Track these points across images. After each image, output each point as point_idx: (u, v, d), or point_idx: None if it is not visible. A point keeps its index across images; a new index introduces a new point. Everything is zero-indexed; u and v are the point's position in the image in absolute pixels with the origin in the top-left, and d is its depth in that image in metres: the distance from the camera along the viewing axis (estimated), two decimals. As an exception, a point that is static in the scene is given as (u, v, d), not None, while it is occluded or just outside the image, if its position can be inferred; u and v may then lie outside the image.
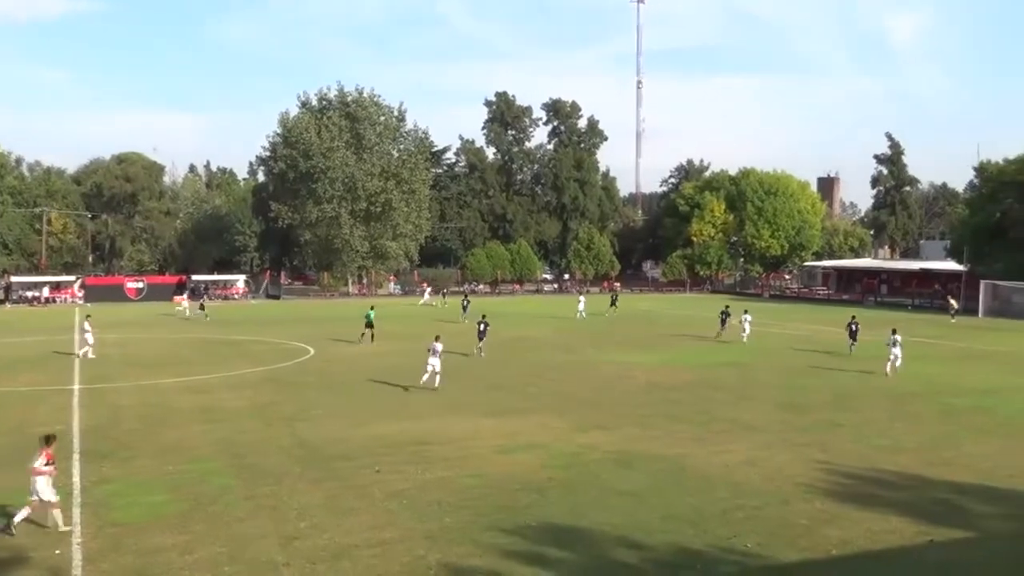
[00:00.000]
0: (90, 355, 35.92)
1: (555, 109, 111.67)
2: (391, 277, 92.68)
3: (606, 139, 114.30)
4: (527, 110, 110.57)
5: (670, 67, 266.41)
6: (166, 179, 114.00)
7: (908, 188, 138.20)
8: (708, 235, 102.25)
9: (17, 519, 14.20)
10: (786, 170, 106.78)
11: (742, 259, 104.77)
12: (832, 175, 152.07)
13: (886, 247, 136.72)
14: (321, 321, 55.32)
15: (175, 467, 18.59)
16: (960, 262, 77.50)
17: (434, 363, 28.56)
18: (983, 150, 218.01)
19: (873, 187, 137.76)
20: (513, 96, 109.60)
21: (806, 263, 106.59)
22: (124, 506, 15.90)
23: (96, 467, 18.46)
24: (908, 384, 31.31)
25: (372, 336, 42.04)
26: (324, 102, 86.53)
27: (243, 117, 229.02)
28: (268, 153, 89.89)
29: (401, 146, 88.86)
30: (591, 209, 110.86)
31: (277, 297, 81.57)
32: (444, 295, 74.70)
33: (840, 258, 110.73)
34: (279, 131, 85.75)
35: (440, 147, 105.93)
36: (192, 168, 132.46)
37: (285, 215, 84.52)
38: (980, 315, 64.48)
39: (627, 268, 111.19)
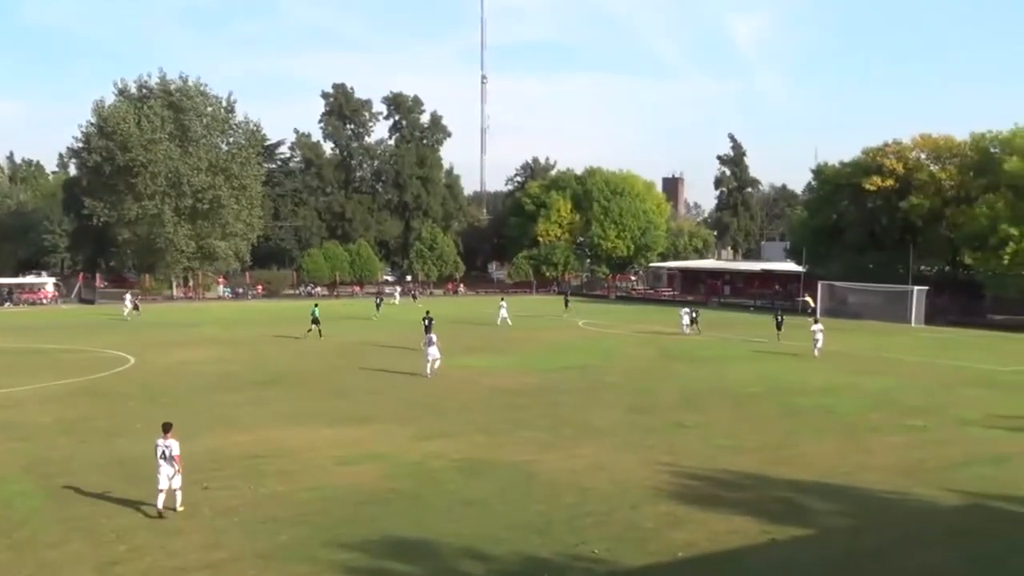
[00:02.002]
0: None
1: (396, 103, 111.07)
2: (220, 279, 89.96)
3: (450, 135, 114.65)
4: (367, 104, 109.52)
5: (516, 63, 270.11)
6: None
7: (750, 189, 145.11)
8: (554, 235, 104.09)
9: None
10: (632, 170, 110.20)
11: (589, 260, 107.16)
12: (677, 176, 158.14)
13: (729, 248, 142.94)
14: (141, 327, 53.11)
15: (-26, 490, 17.47)
16: (799, 263, 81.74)
17: (432, 352, 33.04)
18: (820, 153, 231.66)
19: (716, 188, 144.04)
20: (352, 89, 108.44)
21: (651, 264, 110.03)
22: (-86, 536, 14.82)
23: None
24: (751, 384, 32.81)
25: (320, 332, 46.32)
26: (144, 90, 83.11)
27: (52, 105, 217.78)
28: (81, 144, 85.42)
29: (231, 139, 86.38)
30: (434, 208, 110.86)
31: (92, 302, 77.66)
32: (415, 296, 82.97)
33: (685, 259, 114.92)
34: (94, 121, 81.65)
35: (273, 141, 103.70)
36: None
37: (101, 212, 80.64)
38: (818, 315, 68.12)
39: (472, 269, 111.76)
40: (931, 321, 64.96)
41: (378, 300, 67.43)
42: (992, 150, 68.81)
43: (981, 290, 68.94)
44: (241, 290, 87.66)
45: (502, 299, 62.51)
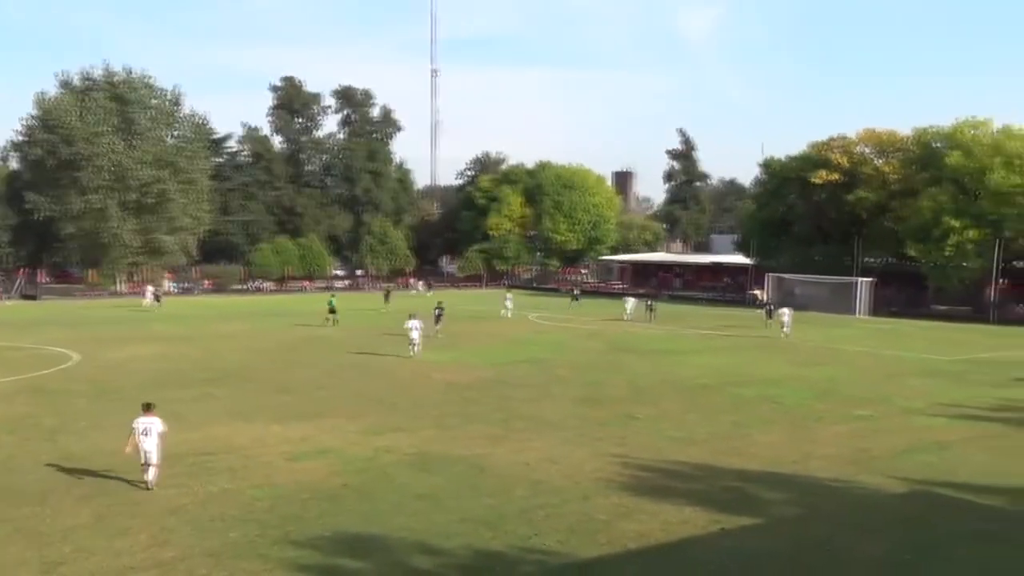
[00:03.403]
0: None
1: (346, 97, 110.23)
2: (168, 274, 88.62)
3: (401, 129, 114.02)
4: (316, 97, 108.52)
5: (467, 57, 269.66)
6: None
7: (699, 183, 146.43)
8: (506, 229, 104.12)
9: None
10: (583, 164, 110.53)
11: (540, 253, 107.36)
12: (628, 170, 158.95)
13: (679, 241, 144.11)
14: (88, 323, 52.17)
15: (-88, 492, 17.05)
16: (748, 256, 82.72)
17: (415, 337, 36.88)
18: (768, 147, 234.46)
19: (666, 182, 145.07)
20: (301, 82, 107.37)
21: (602, 257, 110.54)
22: None
23: None
24: (700, 376, 33.14)
25: (335, 321, 50.29)
26: (88, 82, 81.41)
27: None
28: (23, 138, 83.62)
29: (177, 132, 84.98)
30: (385, 202, 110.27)
31: (34, 297, 76.16)
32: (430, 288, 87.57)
33: (635, 252, 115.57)
34: (36, 114, 79.92)
35: (221, 134, 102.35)
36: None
37: (43, 207, 78.98)
38: (772, 307, 68.86)
39: (424, 263, 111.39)
40: (876, 312, 66.14)
41: (386, 292, 71.96)
42: (935, 144, 70.14)
43: (924, 281, 70.29)
44: (187, 285, 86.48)
45: (508, 292, 65.54)
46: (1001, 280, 66.46)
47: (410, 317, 38.23)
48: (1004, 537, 15.16)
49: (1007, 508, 16.93)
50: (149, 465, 17.13)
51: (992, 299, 64.79)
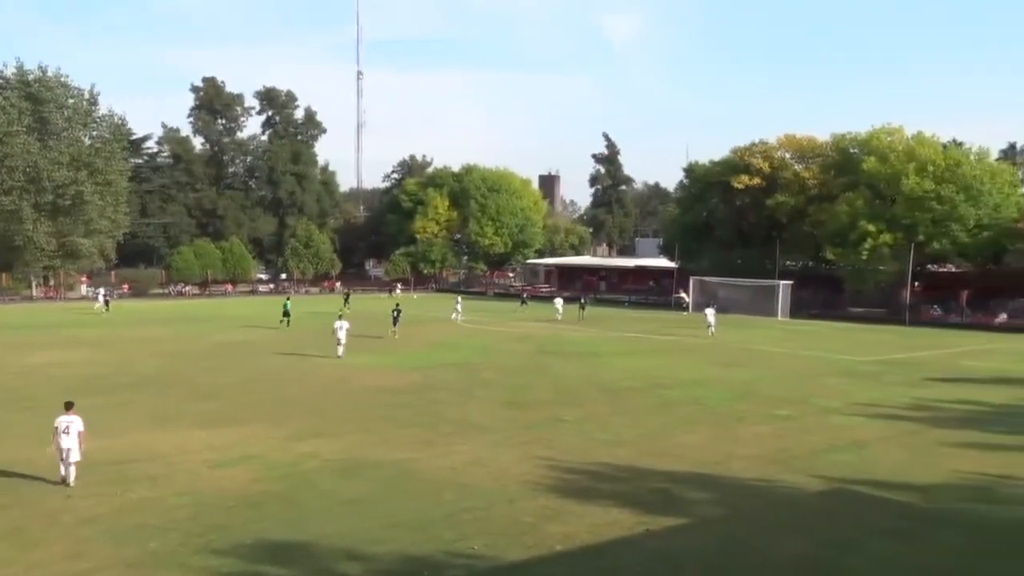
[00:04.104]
0: None
1: (269, 98, 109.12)
2: (83, 278, 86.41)
3: (325, 131, 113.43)
4: (239, 98, 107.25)
5: (393, 59, 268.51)
6: None
7: (624, 187, 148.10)
8: (432, 232, 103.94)
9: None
10: (509, 167, 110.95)
11: (466, 257, 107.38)
12: (553, 173, 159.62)
13: (604, 244, 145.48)
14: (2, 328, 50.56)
15: None
16: (672, 259, 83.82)
17: (341, 337, 37.97)
18: (692, 152, 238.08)
19: (592, 185, 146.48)
20: (223, 82, 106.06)
21: (529, 261, 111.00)
22: None
23: None
24: (626, 378, 33.46)
25: (288, 323, 51.63)
26: (0, 81, 79.12)
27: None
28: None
29: (94, 132, 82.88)
30: (310, 205, 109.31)
31: (-59, 302, 73.65)
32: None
33: (561, 255, 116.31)
34: (-56, 112, 77.31)
35: (140, 135, 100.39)
36: None
37: (-48, 209, 76.43)
38: (690, 310, 70.03)
39: (349, 267, 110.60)
40: (795, 314, 67.52)
41: (346, 295, 73.25)
42: (852, 150, 72.10)
43: (841, 284, 72.19)
44: (104, 290, 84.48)
45: (459, 297, 65.45)
46: (915, 283, 68.45)
47: (338, 318, 39.92)
48: (918, 533, 15.59)
49: (921, 504, 17.40)
50: (68, 463, 17.32)
51: (906, 301, 66.64)
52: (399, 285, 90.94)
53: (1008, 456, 21.59)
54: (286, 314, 52.78)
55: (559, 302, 64.81)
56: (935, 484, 18.80)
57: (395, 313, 48.48)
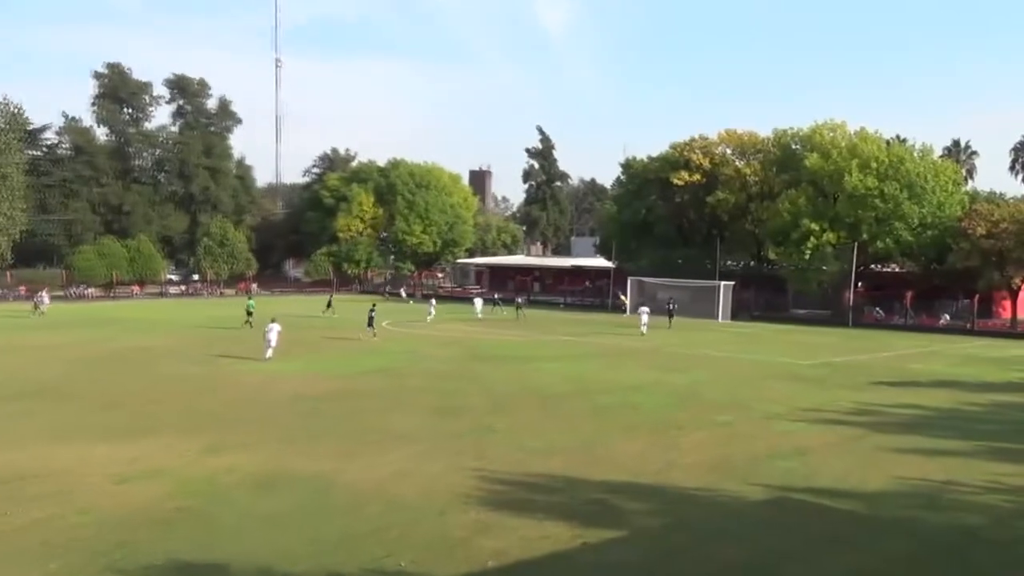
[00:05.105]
0: None
1: (180, 86, 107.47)
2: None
3: (240, 122, 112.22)
4: (146, 86, 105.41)
5: (314, 46, 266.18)
6: None
7: (559, 183, 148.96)
8: (356, 230, 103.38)
9: None
10: (437, 162, 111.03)
11: (393, 256, 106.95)
12: (485, 168, 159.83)
13: (538, 243, 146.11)
14: None
15: None
16: (609, 259, 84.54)
17: (271, 339, 38.90)
18: (630, 147, 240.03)
19: (525, 181, 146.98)
20: (129, 69, 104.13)
21: (459, 260, 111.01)
22: None
23: None
24: (559, 384, 33.66)
25: (250, 324, 52.52)
26: None
27: None
28: None
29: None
30: (224, 201, 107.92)
31: None
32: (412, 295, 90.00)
33: (493, 255, 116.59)
34: None
35: (38, 125, 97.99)
36: None
37: None
38: (628, 312, 70.67)
39: (266, 267, 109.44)
40: (737, 316, 68.69)
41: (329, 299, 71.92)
42: (793, 146, 73.49)
43: (784, 285, 73.38)
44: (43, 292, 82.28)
45: (433, 300, 69.26)
46: (858, 284, 70.03)
47: (272, 320, 40.72)
48: (860, 541, 15.97)
49: (864, 512, 17.80)
50: None
51: (849, 303, 68.15)
52: (403, 287, 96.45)
53: (951, 461, 22.19)
54: (249, 314, 54.91)
55: (478, 302, 68.91)
56: (878, 491, 19.26)
57: (371, 314, 50.32)
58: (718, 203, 74.36)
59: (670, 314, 61.51)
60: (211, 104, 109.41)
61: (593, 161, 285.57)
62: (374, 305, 54.30)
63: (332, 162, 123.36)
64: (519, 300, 71.55)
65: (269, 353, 38.90)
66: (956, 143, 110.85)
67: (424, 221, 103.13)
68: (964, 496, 19.17)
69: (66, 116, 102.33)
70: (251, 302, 58.25)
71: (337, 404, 28.88)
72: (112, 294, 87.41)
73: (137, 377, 34.35)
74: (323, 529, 16.01)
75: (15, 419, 25.58)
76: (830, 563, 14.79)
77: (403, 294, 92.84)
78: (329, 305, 66.38)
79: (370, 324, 49.48)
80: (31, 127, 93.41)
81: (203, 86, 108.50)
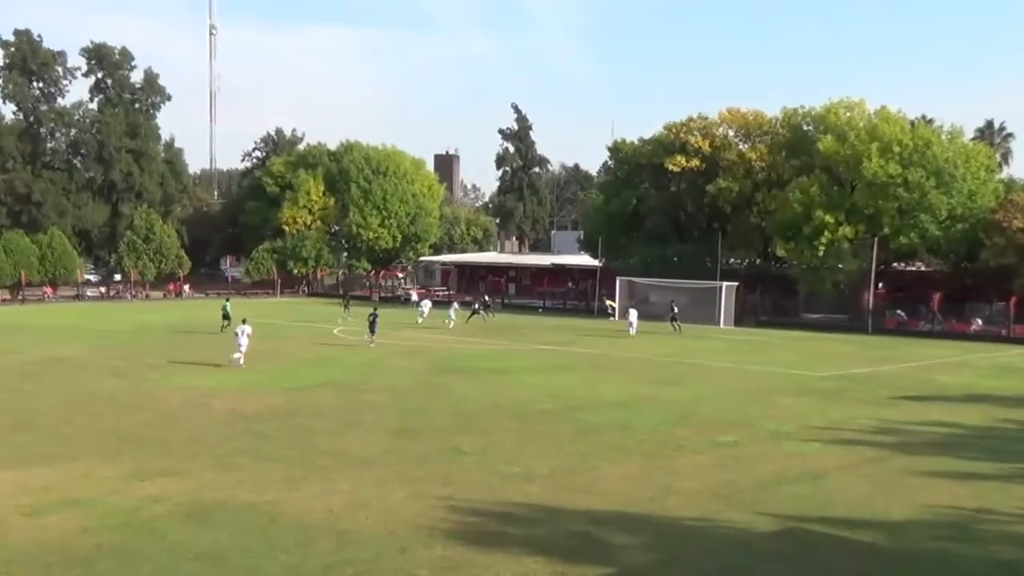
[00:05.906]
0: None
1: (99, 57, 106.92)
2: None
3: (170, 99, 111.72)
4: (60, 56, 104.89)
5: (254, 12, 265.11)
6: None
7: (537, 169, 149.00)
8: (303, 223, 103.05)
9: None
10: (397, 145, 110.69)
11: (346, 253, 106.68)
12: (452, 152, 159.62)
13: (514, 238, 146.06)
14: None
15: None
16: (595, 256, 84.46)
17: (242, 343, 40.38)
18: (618, 129, 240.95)
19: (498, 167, 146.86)
20: (40, 37, 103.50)
21: (423, 258, 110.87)
22: None
23: None
24: (538, 400, 33.66)
25: (223, 328, 54.55)
26: None
27: None
28: None
29: None
30: (150, 189, 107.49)
31: None
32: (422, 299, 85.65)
33: (462, 251, 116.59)
34: None
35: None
36: None
37: None
38: (616, 317, 70.79)
39: (200, 266, 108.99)
40: (741, 321, 68.83)
41: (346, 302, 74.79)
42: (805, 128, 73.46)
43: (795, 285, 73.24)
44: None
45: (424, 299, 72.93)
46: (878, 284, 70.19)
47: (243, 322, 42.91)
48: (883, 578, 16.08)
49: (886, 545, 17.91)
50: None
51: (869, 306, 68.23)
52: (413, 291, 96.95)
53: (984, 486, 22.35)
54: (226, 317, 57.12)
55: (455, 306, 68.46)
56: (902, 521, 19.37)
57: (371, 318, 51.56)
58: (719, 192, 74.44)
59: (673, 318, 62.81)
60: (135, 77, 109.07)
61: (576, 144, 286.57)
62: (375, 309, 54.80)
63: (276, 145, 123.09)
64: (485, 302, 72.63)
65: (238, 357, 40.46)
66: (989, 124, 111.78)
67: (382, 213, 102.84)
68: (999, 526, 19.31)
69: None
70: (227, 304, 60.24)
71: (282, 423, 28.78)
72: (20, 297, 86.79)
73: (49, 393, 34.12)
74: (266, 567, 15.96)
75: (-93, 442, 25.35)
76: (848, 603, 14.88)
77: (414, 296, 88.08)
78: (346, 307, 70.52)
79: (372, 330, 50.68)
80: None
81: (126, 57, 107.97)
